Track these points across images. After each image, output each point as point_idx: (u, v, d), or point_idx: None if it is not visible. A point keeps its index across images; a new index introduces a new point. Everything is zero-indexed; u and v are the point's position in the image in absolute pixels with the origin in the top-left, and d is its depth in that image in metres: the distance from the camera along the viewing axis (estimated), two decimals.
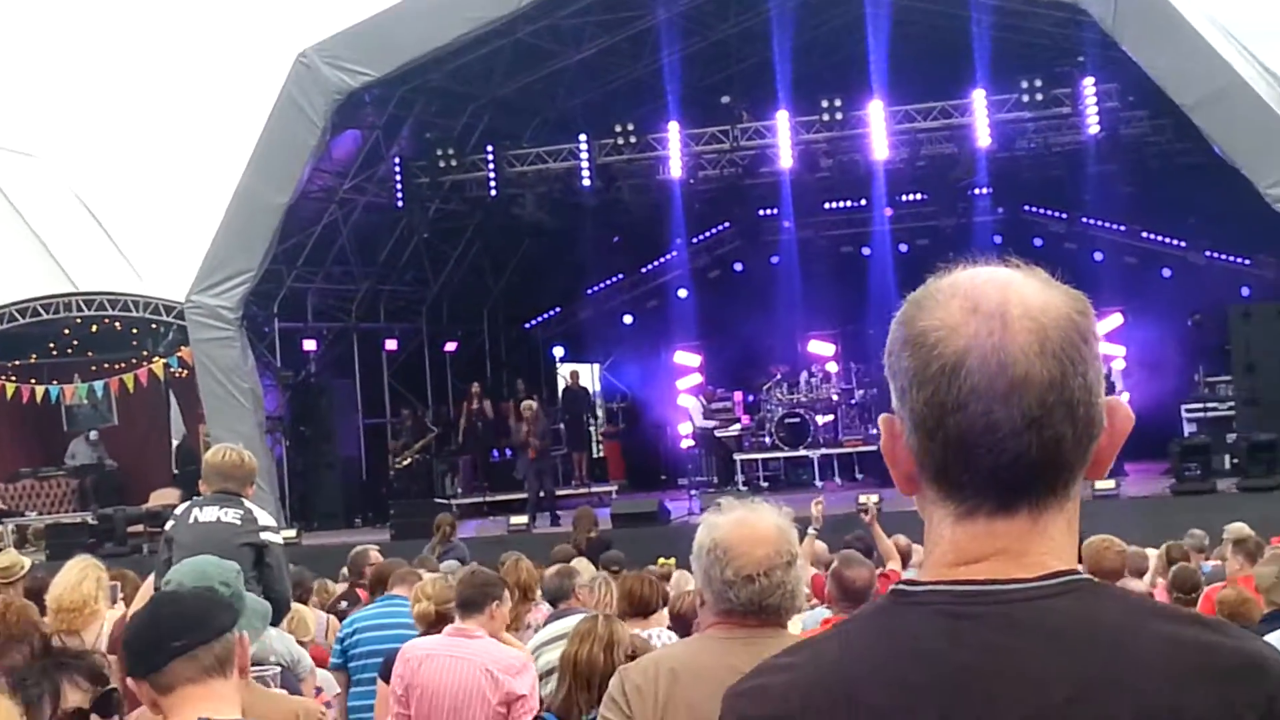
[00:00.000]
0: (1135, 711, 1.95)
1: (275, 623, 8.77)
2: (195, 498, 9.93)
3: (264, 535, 9.31)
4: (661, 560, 15.93)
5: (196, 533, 9.15)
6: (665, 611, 10.16)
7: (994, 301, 2.07)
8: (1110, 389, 26.98)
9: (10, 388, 31.21)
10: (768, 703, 2.14)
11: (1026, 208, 33.54)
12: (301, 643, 10.22)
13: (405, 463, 30.53)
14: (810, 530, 13.60)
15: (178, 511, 9.77)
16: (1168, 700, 1.95)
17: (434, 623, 9.17)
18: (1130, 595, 2.12)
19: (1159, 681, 1.96)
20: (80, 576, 9.16)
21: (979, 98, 26.32)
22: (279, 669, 7.48)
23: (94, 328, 31.86)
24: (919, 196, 32.38)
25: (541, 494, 27.87)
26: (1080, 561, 11.45)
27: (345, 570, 15.61)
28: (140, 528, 27.28)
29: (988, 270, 2.14)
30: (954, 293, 2.10)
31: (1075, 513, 2.13)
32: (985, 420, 2.03)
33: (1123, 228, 32.81)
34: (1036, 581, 2.04)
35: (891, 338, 2.14)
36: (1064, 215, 33.50)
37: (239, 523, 9.27)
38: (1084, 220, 33.00)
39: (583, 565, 12.31)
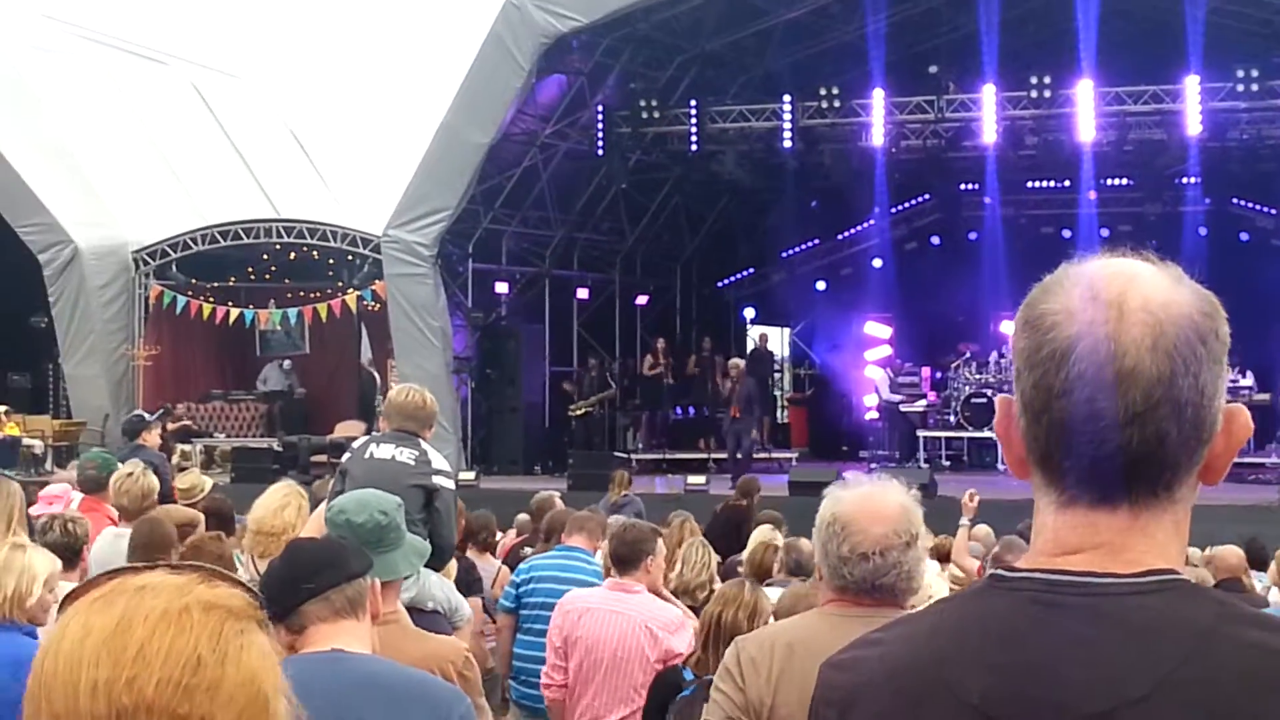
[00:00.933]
0: (1209, 715, 1.93)
1: (438, 568, 8.81)
2: (374, 433, 10.02)
3: (435, 479, 9.33)
4: None
5: (369, 468, 9.19)
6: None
7: (1114, 291, 2.06)
8: None
9: (207, 309, 31.69)
10: (858, 674, 2.19)
11: (1235, 200, 32.79)
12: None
13: (580, 412, 30.59)
14: (963, 522, 13.39)
15: (355, 445, 9.84)
16: (1245, 707, 1.92)
17: None
18: (1226, 599, 2.08)
19: (1236, 687, 1.93)
20: (283, 502, 9.24)
21: (1192, 84, 25.80)
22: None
23: (292, 255, 32.30)
24: (1125, 181, 31.87)
25: (739, 455, 27.89)
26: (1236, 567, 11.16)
27: (528, 516, 15.58)
28: (324, 457, 27.62)
29: (1119, 262, 2.13)
30: (1078, 280, 2.10)
31: (1184, 516, 2.11)
32: (1089, 408, 2.03)
33: None
34: (1132, 578, 2.03)
35: (1016, 319, 2.16)
36: (1274, 211, 32.70)
37: (412, 463, 9.29)
38: None
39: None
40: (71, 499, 11.78)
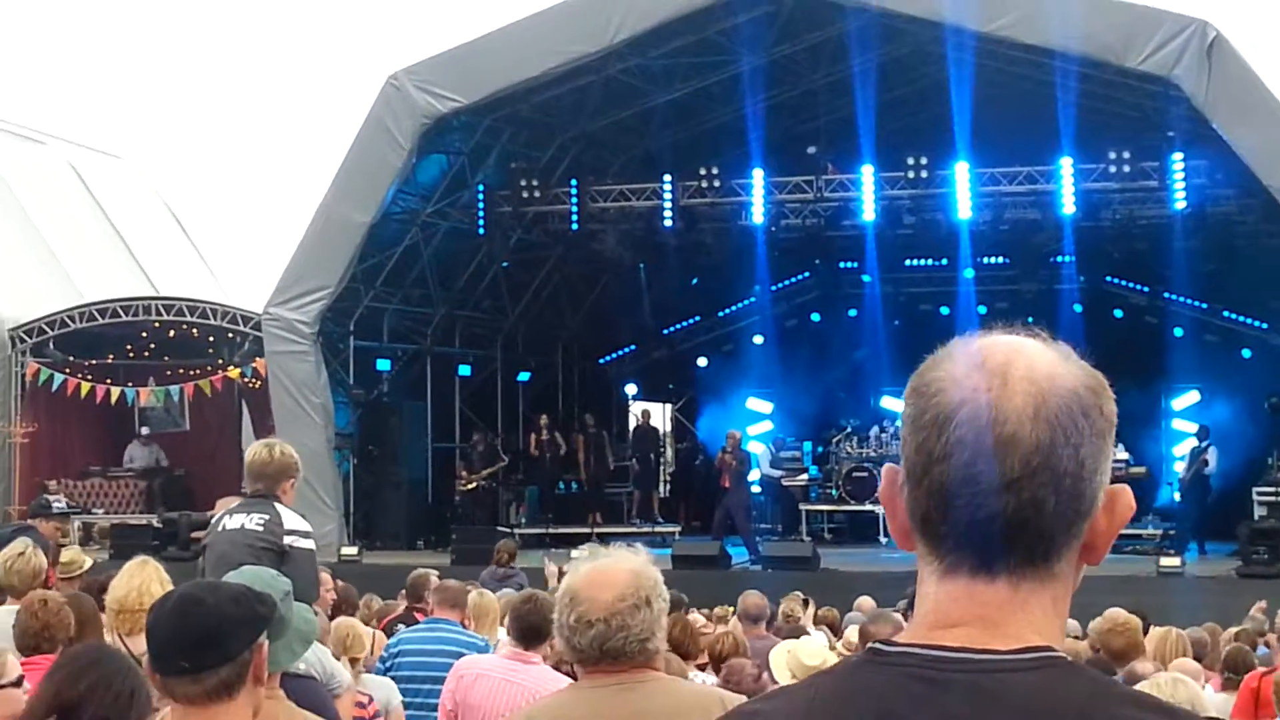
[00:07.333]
0: None
1: None
2: (234, 506, 9.97)
3: (287, 539, 9.25)
4: (719, 609, 15.92)
5: (223, 540, 9.17)
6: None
7: (999, 361, 2.07)
8: (1203, 465, 26.99)
9: (85, 387, 31.44)
10: None
11: (1109, 279, 33.22)
12: (355, 659, 10.28)
13: (470, 486, 30.54)
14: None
15: (214, 520, 9.83)
16: None
17: None
18: (1102, 678, 2.10)
19: None
20: (144, 578, 9.17)
21: (1066, 165, 26.20)
22: None
23: (171, 333, 32.08)
24: (1001, 259, 32.16)
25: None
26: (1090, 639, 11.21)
27: (404, 592, 15.59)
28: (203, 533, 27.35)
29: (1009, 336, 2.13)
30: (967, 350, 2.10)
31: (1063, 593, 2.11)
32: (966, 472, 2.02)
33: (1204, 305, 32.36)
34: (1010, 654, 2.01)
35: (906, 387, 2.15)
36: (1146, 289, 33.12)
37: (261, 529, 9.23)
38: (1166, 295, 32.50)
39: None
40: None
